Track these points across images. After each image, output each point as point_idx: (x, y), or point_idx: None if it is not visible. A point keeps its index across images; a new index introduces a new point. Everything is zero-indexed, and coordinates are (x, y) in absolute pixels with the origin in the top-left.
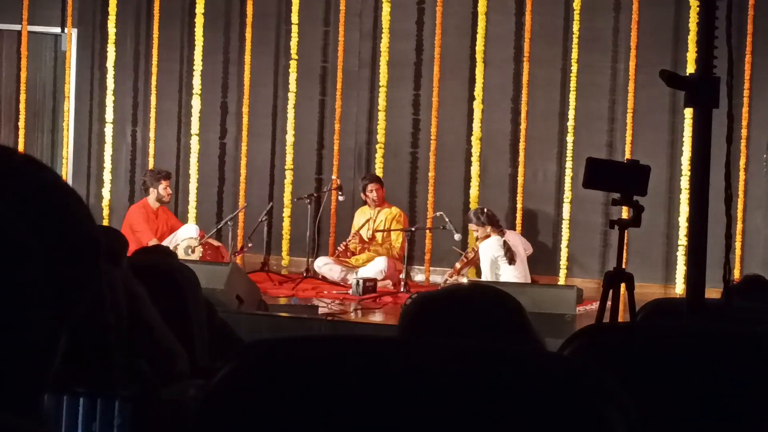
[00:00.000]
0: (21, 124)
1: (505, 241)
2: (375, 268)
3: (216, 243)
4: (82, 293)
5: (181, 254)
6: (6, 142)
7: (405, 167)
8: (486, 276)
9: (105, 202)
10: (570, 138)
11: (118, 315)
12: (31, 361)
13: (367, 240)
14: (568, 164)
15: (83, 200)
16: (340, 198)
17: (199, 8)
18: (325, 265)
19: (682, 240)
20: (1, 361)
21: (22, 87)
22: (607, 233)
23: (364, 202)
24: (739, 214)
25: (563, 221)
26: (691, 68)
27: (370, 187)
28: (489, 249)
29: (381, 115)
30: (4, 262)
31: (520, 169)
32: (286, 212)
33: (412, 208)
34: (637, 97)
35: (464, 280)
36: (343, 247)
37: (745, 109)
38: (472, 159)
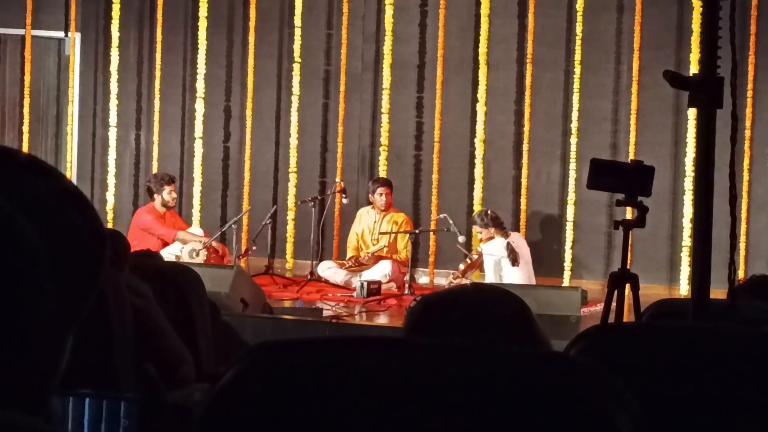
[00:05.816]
0: (25, 128)
1: (508, 243)
2: (379, 271)
3: (217, 245)
4: (88, 295)
5: (185, 257)
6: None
7: (409, 170)
8: (490, 278)
9: (109, 206)
10: (574, 139)
11: (123, 318)
12: (38, 362)
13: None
14: (572, 166)
15: (89, 202)
16: (344, 201)
17: (202, 12)
18: (329, 269)
19: (687, 241)
20: (10, 362)
21: (26, 91)
22: (611, 234)
23: (369, 203)
24: (744, 215)
25: (567, 223)
26: (694, 69)
27: (380, 190)
28: (492, 250)
29: (384, 118)
30: (12, 264)
31: (524, 171)
32: (290, 215)
33: (416, 211)
34: (641, 98)
35: (468, 282)
36: (353, 262)
37: (748, 110)
38: (476, 161)
